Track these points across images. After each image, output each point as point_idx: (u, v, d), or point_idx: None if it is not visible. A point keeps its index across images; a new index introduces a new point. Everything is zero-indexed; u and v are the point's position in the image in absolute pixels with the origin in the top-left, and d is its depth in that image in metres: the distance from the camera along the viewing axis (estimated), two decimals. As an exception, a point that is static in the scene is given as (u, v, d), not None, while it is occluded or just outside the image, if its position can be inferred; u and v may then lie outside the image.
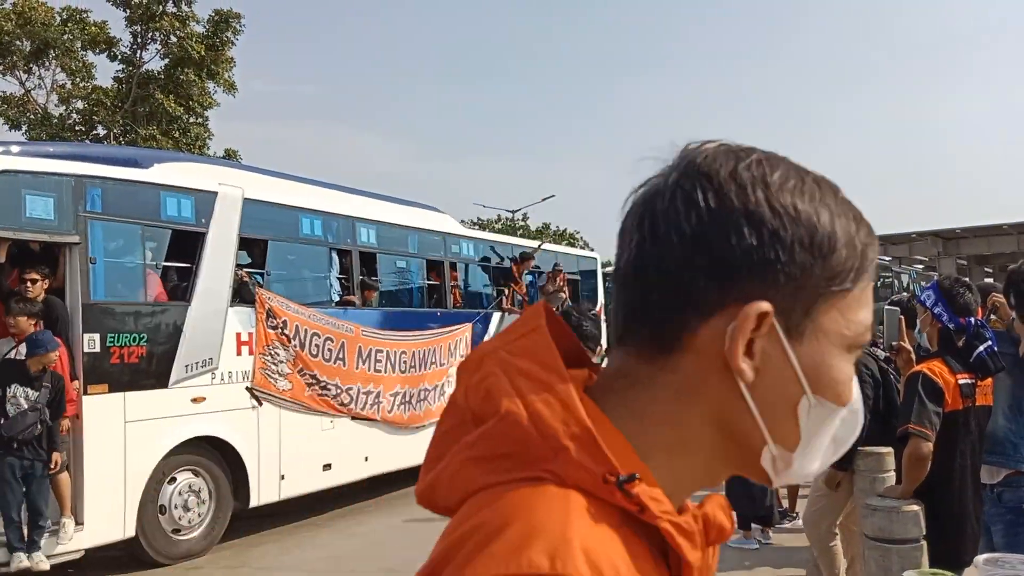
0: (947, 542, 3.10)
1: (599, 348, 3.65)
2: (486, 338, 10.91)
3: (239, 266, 7.78)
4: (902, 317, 3.85)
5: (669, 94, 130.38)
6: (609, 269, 21.12)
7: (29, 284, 6.20)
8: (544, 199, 38.32)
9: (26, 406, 5.94)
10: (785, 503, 7.71)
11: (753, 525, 6.92)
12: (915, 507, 3.11)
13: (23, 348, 6.02)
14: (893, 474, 4.44)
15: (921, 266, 18.94)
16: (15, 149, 6.61)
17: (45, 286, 6.32)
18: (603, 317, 14.31)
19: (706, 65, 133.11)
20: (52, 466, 6.04)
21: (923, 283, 22.02)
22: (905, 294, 17.60)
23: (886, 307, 4.01)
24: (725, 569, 6.22)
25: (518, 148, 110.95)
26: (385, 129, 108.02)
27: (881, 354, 5.28)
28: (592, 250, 21.52)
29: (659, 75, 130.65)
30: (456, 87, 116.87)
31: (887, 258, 16.74)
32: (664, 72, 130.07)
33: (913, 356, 3.63)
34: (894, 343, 3.73)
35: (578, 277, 13.87)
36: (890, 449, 4.45)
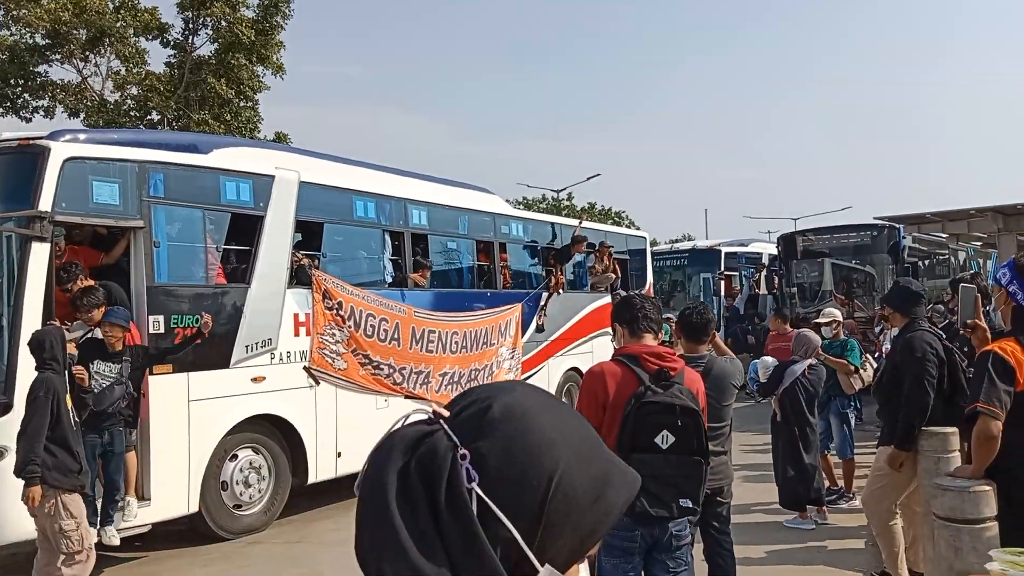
0: (1020, 521, 3.06)
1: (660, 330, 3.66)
2: (535, 318, 11.07)
3: (295, 248, 7.93)
4: (978, 295, 3.79)
5: (715, 73, 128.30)
6: (657, 248, 21.00)
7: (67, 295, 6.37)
8: (589, 178, 38.28)
9: (112, 379, 6.14)
10: (841, 483, 7.65)
11: (808, 506, 6.89)
12: (986, 487, 3.08)
13: (98, 333, 6.23)
14: (958, 454, 4.38)
15: (979, 243, 18.40)
16: (81, 137, 6.78)
17: (84, 283, 6.44)
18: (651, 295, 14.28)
19: (760, 41, 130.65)
20: (125, 442, 6.23)
21: (980, 260, 21.41)
22: (970, 273, 17.17)
23: (962, 285, 3.93)
24: (783, 549, 6.22)
25: (563, 128, 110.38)
26: (433, 110, 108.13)
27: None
28: (639, 229, 21.39)
29: (708, 54, 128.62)
30: (501, 67, 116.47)
31: (943, 235, 16.28)
32: (715, 51, 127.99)
33: (988, 335, 3.57)
34: (968, 321, 3.67)
35: (627, 256, 13.81)
36: (955, 429, 4.39)
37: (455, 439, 0.81)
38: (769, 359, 7.09)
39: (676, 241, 32.18)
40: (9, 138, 6.50)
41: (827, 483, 7.44)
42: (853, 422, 7.93)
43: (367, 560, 0.81)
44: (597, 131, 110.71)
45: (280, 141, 22.21)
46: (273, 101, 69.27)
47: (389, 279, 9.23)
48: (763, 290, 18.38)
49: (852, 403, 8.00)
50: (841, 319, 8.09)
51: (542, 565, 0.77)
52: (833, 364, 7.31)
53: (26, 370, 5.71)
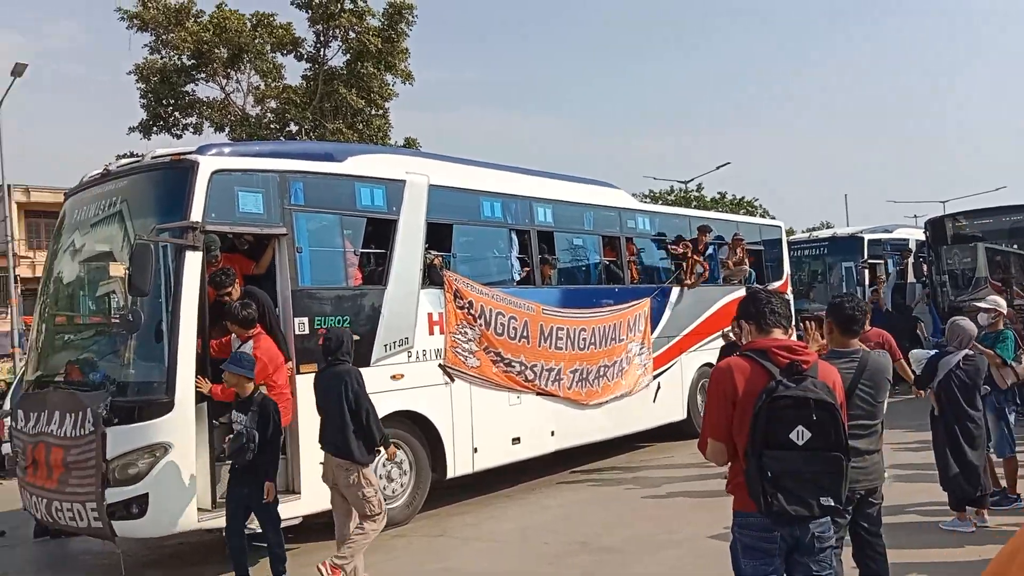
0: None
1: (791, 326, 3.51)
2: (665, 313, 10.90)
3: (428, 249, 8.13)
4: None
5: (849, 53, 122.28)
6: (794, 237, 20.20)
7: (226, 297, 6.62)
8: (718, 167, 37.19)
9: (240, 429, 5.90)
10: (1004, 483, 7.14)
11: (968, 508, 6.47)
12: None
13: (246, 347, 6.36)
14: None
15: None
16: (227, 150, 7.19)
17: (236, 292, 6.67)
18: (789, 290, 13.76)
19: (899, 14, 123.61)
20: (264, 495, 5.90)
21: None
22: None
23: None
24: (939, 553, 5.87)
25: (689, 118, 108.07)
26: (557, 111, 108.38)
27: None
28: (774, 218, 20.64)
29: (843, 35, 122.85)
30: (622, 63, 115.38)
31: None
32: (849, 32, 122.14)
33: None
34: None
35: (761, 247, 13.36)
36: None
37: None
38: (922, 351, 6.69)
39: (814, 229, 30.88)
40: (162, 154, 6.98)
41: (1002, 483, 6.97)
42: (1013, 419, 7.37)
43: None
44: (726, 120, 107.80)
45: (410, 146, 22.84)
46: (401, 107, 71.29)
47: (517, 277, 9.32)
48: (911, 278, 17.36)
49: (1010, 398, 7.43)
50: (1004, 309, 7.48)
51: None
52: (983, 355, 6.83)
53: (185, 372, 6.15)
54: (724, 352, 9.09)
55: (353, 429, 5.78)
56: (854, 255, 17.75)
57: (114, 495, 6.05)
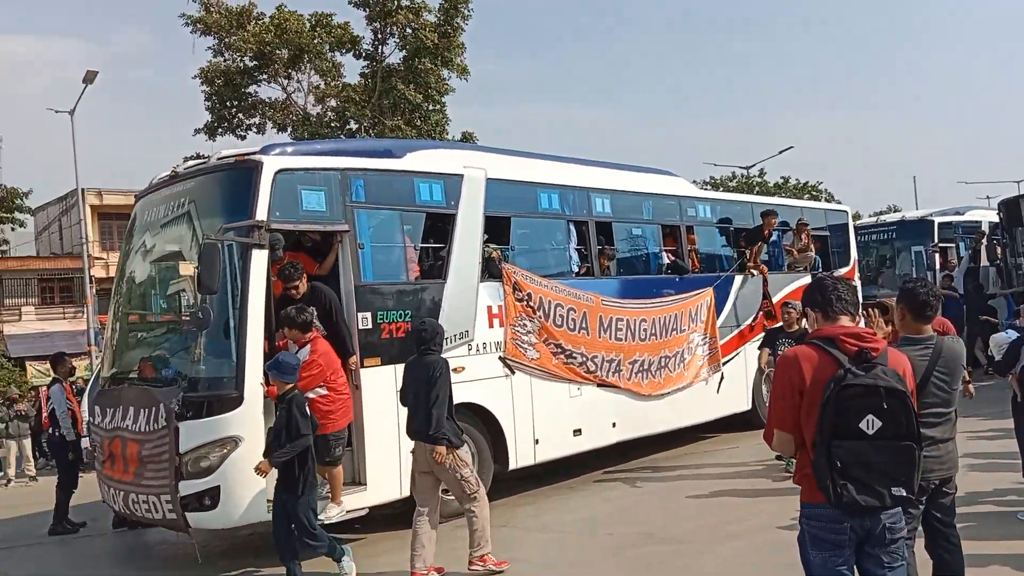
0: None
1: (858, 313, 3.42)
2: (728, 302, 10.74)
3: (486, 243, 8.17)
4: None
5: (913, 27, 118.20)
6: (860, 222, 19.67)
7: (293, 291, 6.74)
8: (781, 151, 36.51)
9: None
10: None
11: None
12: None
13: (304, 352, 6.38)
14: None
15: None
16: (289, 149, 7.34)
17: (303, 286, 6.79)
18: (856, 276, 13.42)
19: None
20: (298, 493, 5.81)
21: None
22: None
23: None
24: (1018, 544, 5.66)
25: (750, 102, 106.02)
26: (616, 101, 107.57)
27: None
28: (839, 202, 20.13)
29: (915, 12, 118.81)
30: (682, 48, 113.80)
31: None
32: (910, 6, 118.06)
33: None
34: None
35: (827, 233, 13.05)
36: None
37: None
38: (1003, 335, 6.46)
39: (882, 213, 30.03)
40: (227, 155, 7.16)
41: None
42: None
43: None
44: (788, 103, 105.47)
45: (467, 140, 22.94)
46: (458, 102, 71.64)
47: (575, 269, 9.29)
48: (985, 262, 16.77)
49: None
50: None
51: None
52: None
53: (253, 367, 6.30)
54: (768, 336, 9.15)
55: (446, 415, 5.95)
56: (924, 239, 17.23)
57: (187, 487, 6.25)
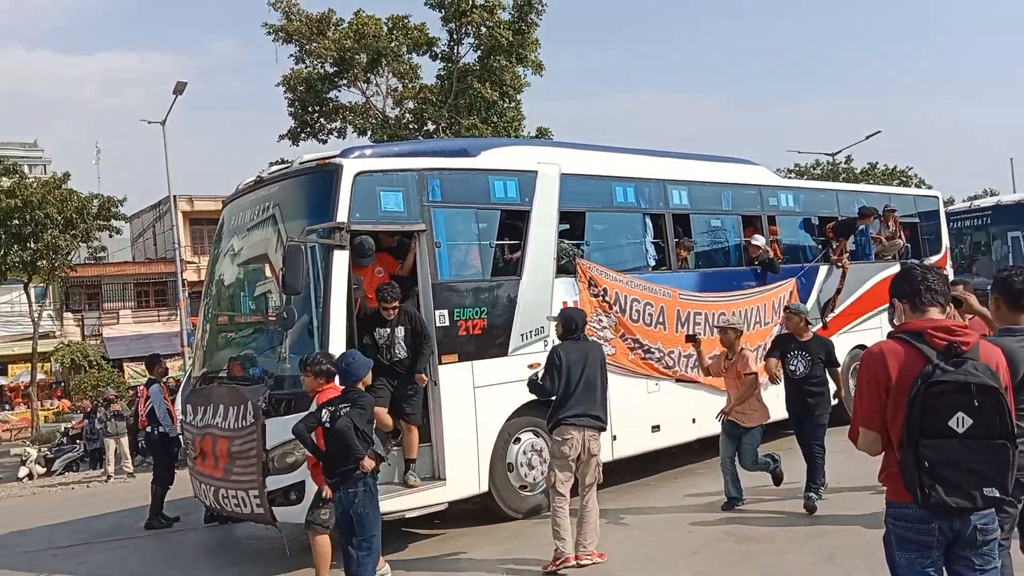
0: None
1: (949, 304, 3.27)
2: (813, 293, 10.44)
3: (561, 238, 8.16)
4: None
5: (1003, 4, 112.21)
6: (953, 208, 18.84)
7: (386, 312, 6.87)
8: (868, 136, 35.14)
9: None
10: None
11: None
12: None
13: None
14: None
15: None
16: (368, 152, 7.49)
17: (395, 311, 6.88)
18: (948, 265, 12.88)
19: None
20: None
21: None
22: None
23: None
24: None
25: (838, 86, 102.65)
26: (697, 85, 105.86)
27: None
28: (930, 188, 19.33)
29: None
30: (763, 29, 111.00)
31: None
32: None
33: None
34: None
35: (916, 220, 12.56)
36: None
37: None
38: None
39: (976, 198, 28.63)
40: (309, 159, 7.35)
41: None
42: None
43: None
44: (877, 84, 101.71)
45: (542, 136, 22.94)
46: (532, 98, 71.67)
47: (652, 263, 9.19)
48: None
49: None
50: None
51: None
52: None
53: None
54: (778, 342, 7.87)
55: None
56: (1021, 224, 16.37)
57: (274, 483, 6.45)
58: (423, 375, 6.99)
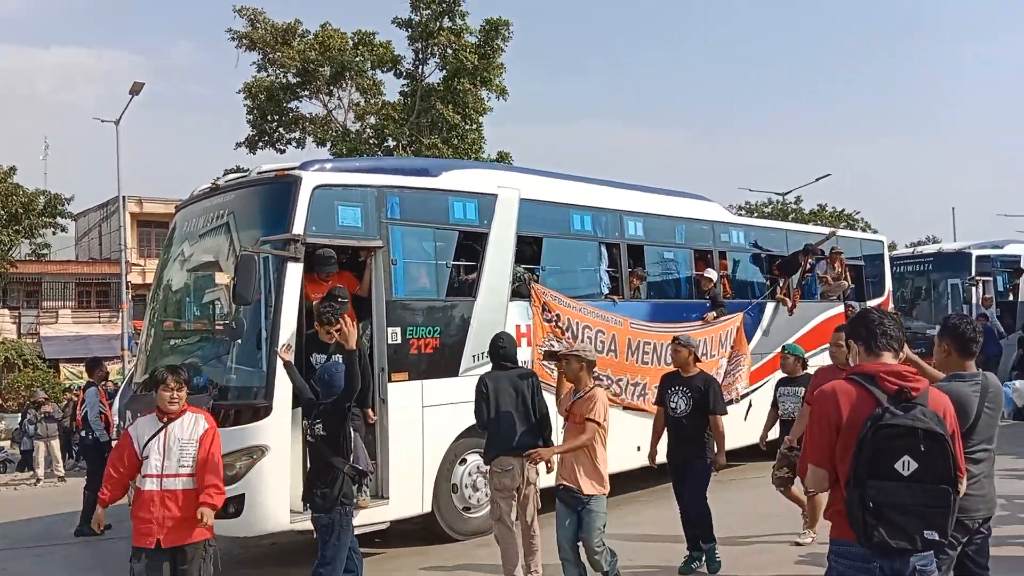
0: None
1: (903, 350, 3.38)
2: (759, 329, 10.65)
3: (517, 262, 8.21)
4: None
5: (960, 57, 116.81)
6: (896, 252, 19.42)
7: (327, 336, 6.43)
8: (818, 179, 36.17)
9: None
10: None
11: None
12: None
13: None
14: None
15: None
16: (328, 166, 7.47)
17: (334, 335, 6.29)
18: (890, 306, 13.25)
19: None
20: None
21: None
22: None
23: None
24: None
25: (790, 127, 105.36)
26: (654, 120, 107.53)
27: None
28: (876, 232, 19.90)
29: (957, 45, 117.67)
30: (721, 68, 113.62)
31: None
32: (962, 38, 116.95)
33: None
34: None
35: (862, 262, 12.92)
36: None
37: None
38: (1022, 384, 6.26)
39: (919, 244, 29.46)
40: (267, 170, 7.30)
41: None
42: None
43: None
44: (828, 128, 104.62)
45: (503, 160, 23.07)
46: (495, 122, 72.08)
47: (605, 291, 9.30)
48: (1022, 297, 16.48)
49: None
50: None
51: None
52: None
53: (284, 377, 6.36)
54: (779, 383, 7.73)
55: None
56: (961, 272, 16.96)
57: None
58: (370, 411, 6.88)
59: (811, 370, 7.35)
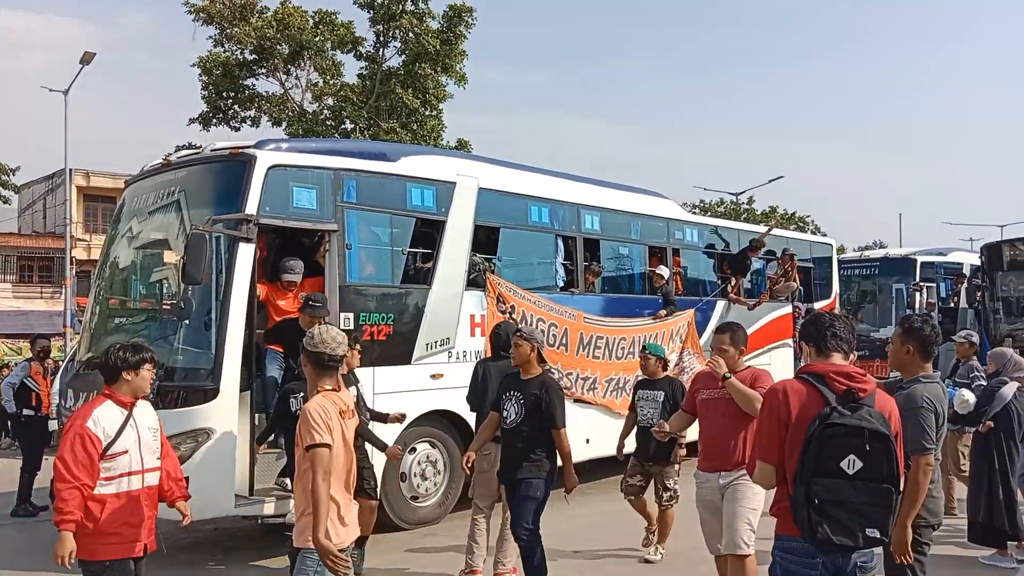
0: None
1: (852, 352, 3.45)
2: (709, 326, 10.79)
3: (474, 252, 8.18)
4: None
5: (909, 70, 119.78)
6: (845, 256, 19.85)
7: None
8: (771, 180, 36.94)
9: None
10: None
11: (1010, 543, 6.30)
12: None
13: None
14: None
15: None
16: (284, 146, 7.32)
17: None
18: (837, 307, 13.53)
19: (965, 39, 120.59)
20: None
21: None
22: None
23: None
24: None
25: (745, 129, 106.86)
26: (614, 115, 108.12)
27: None
28: (825, 235, 20.30)
29: (903, 53, 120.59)
30: (680, 71, 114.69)
31: None
32: (915, 50, 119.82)
33: None
34: None
35: (811, 265, 13.16)
36: None
37: None
38: (968, 393, 6.38)
39: (866, 248, 30.15)
40: (221, 147, 7.13)
41: None
42: None
43: None
44: (780, 132, 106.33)
45: (462, 148, 22.98)
46: (456, 109, 71.72)
47: (561, 284, 9.32)
48: (963, 304, 16.97)
49: None
50: None
51: None
52: None
53: (232, 360, 6.26)
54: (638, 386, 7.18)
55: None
56: (906, 277, 17.42)
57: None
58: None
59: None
